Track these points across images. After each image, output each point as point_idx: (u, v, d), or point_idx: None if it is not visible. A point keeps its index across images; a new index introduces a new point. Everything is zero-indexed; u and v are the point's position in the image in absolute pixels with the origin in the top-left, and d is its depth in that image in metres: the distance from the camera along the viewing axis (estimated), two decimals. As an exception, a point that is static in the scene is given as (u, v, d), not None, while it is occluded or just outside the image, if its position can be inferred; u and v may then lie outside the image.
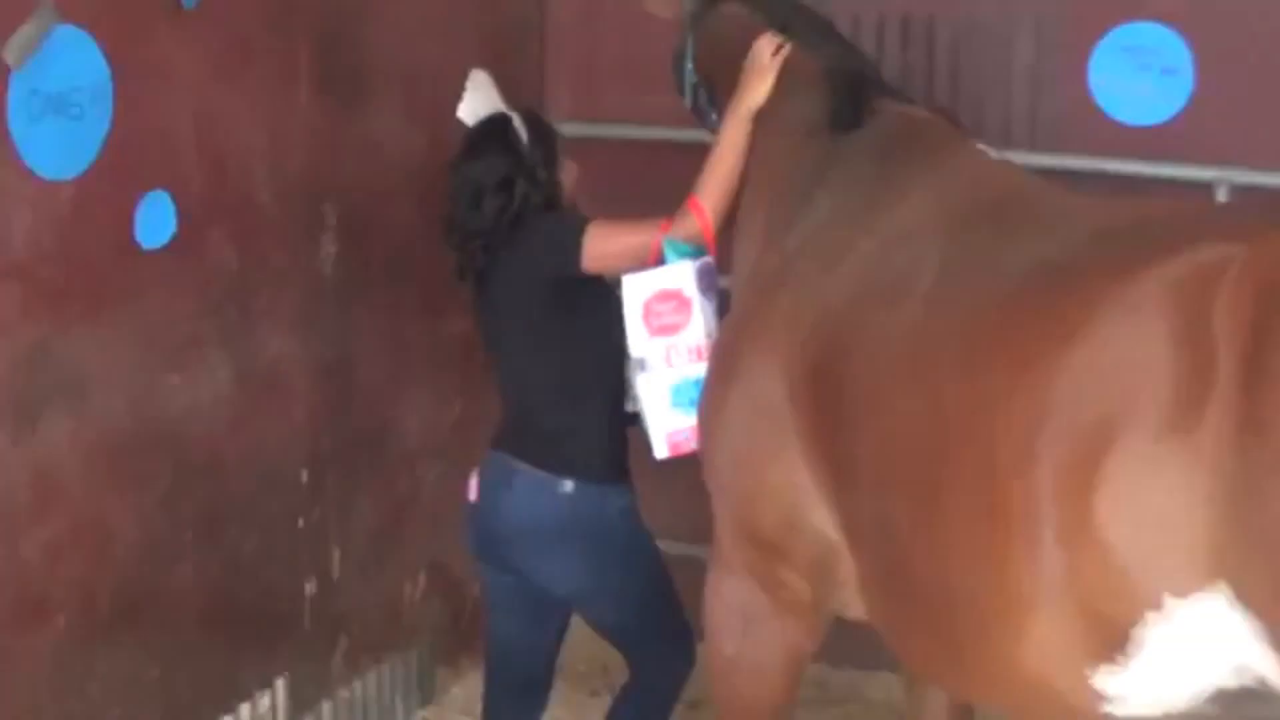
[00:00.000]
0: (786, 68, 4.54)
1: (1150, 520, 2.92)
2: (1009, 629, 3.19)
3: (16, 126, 4.14)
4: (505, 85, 5.32)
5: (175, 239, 4.76)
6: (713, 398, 4.23)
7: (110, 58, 4.41)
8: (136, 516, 4.72)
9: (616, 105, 6.25)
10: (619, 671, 5.40)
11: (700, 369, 4.51)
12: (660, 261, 4.58)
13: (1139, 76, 5.73)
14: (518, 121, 4.84)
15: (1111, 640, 3.03)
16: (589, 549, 4.73)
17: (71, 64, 4.29)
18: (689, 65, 4.94)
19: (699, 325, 4.56)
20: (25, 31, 4.09)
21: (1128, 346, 3.00)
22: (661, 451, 4.60)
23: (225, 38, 4.89)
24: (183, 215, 4.76)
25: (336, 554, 5.65)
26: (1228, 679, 2.97)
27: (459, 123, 4.92)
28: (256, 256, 5.13)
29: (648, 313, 4.58)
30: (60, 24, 4.22)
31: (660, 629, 4.85)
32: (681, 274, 4.57)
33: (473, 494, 4.90)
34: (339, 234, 5.47)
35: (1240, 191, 5.46)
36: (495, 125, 4.85)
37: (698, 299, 4.55)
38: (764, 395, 3.98)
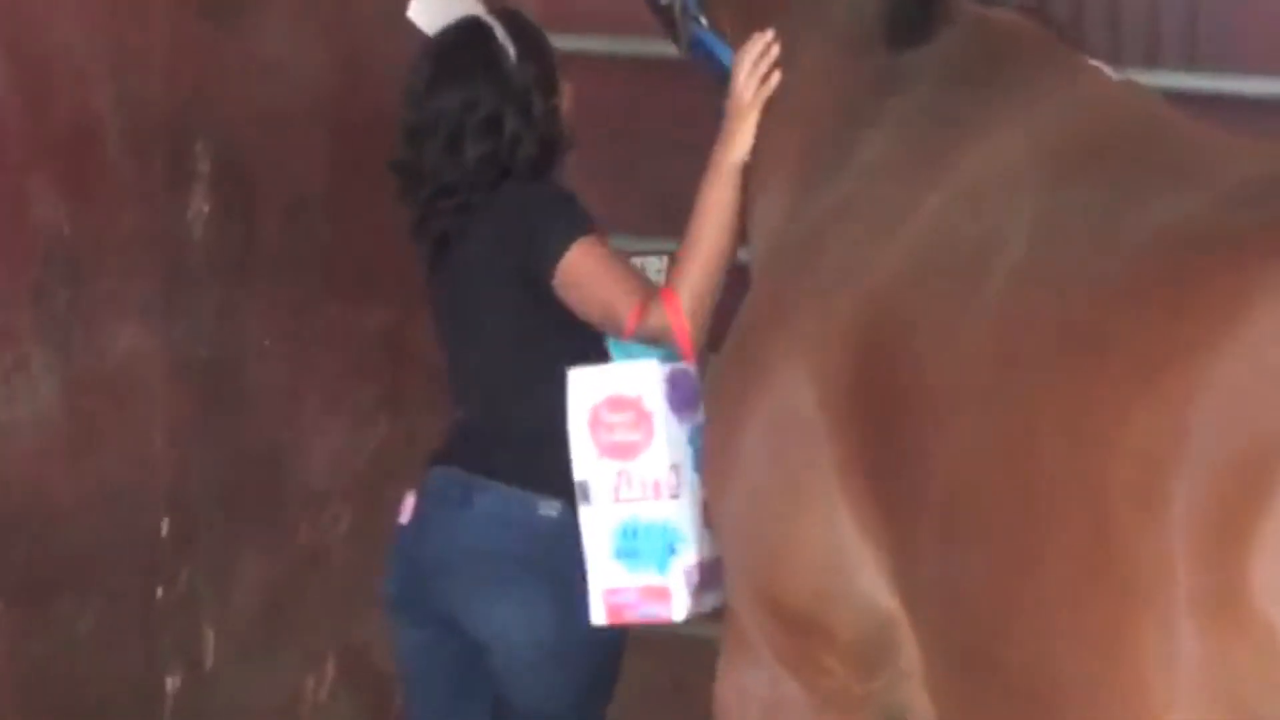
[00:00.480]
0: None
1: None
2: None
3: None
4: None
5: None
6: (721, 419, 3.78)
7: None
8: None
9: (600, 12, 5.42)
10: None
11: (659, 510, 4.05)
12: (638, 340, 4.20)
13: None
14: (500, 31, 4.30)
15: None
16: (561, 592, 4.17)
17: None
18: None
19: (662, 451, 4.04)
20: None
21: None
22: (598, 615, 4.12)
23: None
24: None
25: (210, 635, 5.18)
26: None
27: (403, 31, 4.39)
28: (98, 217, 4.80)
29: (595, 422, 4.09)
30: None
31: None
32: (645, 379, 4.11)
33: (406, 515, 4.33)
34: (213, 186, 5.04)
35: None
36: (472, 37, 4.33)
37: (663, 415, 4.03)
38: (790, 411, 3.49)
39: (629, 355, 4.20)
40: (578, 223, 4.26)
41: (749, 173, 4.13)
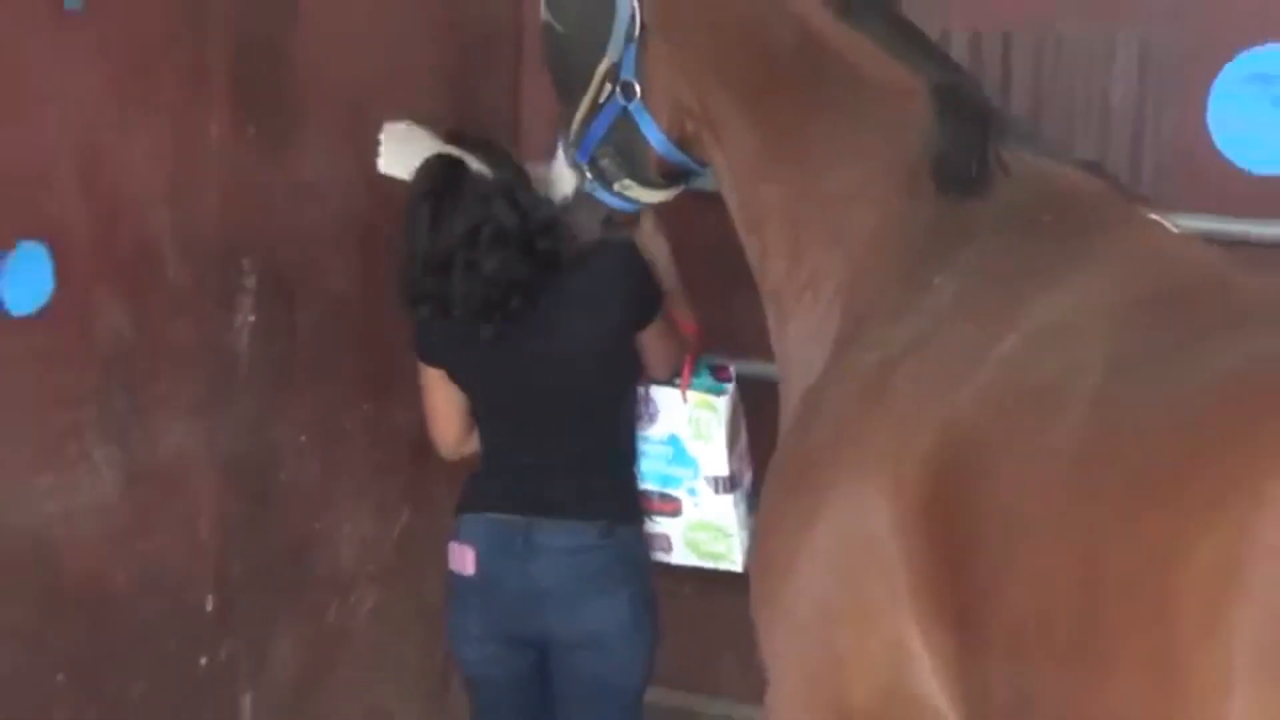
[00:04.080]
0: (849, 63, 4.18)
1: None
2: None
3: None
4: (474, 100, 5.69)
5: (52, 303, 4.57)
6: (788, 528, 3.89)
7: None
8: None
9: None
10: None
11: (750, 474, 5.00)
12: (692, 373, 5.05)
13: (1272, 113, 5.46)
14: (469, 158, 4.82)
15: None
16: (622, 589, 4.95)
17: None
18: (632, 4, 4.40)
19: (745, 435, 5.06)
20: None
21: None
22: (745, 562, 4.87)
23: (118, 50, 4.72)
24: (62, 273, 4.58)
25: (248, 701, 5.43)
26: None
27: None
28: (154, 326, 4.95)
29: (731, 427, 5.00)
30: None
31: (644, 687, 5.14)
32: (733, 391, 5.06)
33: (469, 566, 4.99)
34: (259, 298, 5.28)
35: None
36: (450, 174, 4.83)
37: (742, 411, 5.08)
38: (864, 529, 3.65)
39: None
40: (658, 286, 4.99)
41: (775, 276, 4.36)
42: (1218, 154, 5.48)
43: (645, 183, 4.64)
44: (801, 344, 4.22)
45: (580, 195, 4.73)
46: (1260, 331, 3.18)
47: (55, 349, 4.61)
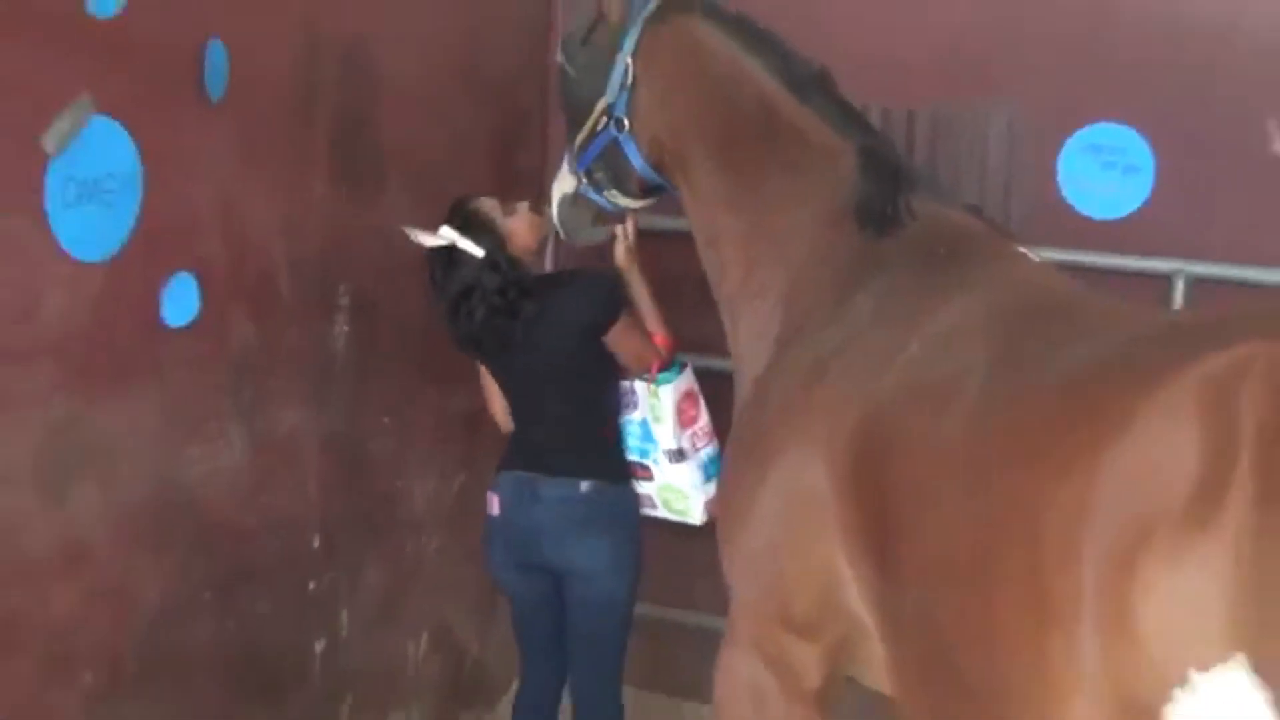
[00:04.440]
0: (798, 129, 4.36)
1: (1180, 607, 2.87)
2: (1051, 714, 3.13)
3: (53, 211, 4.10)
4: (510, 171, 5.45)
5: (198, 318, 4.71)
6: (743, 483, 4.09)
7: (141, 147, 4.37)
8: (158, 579, 4.67)
9: None
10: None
11: (710, 446, 5.20)
12: (662, 368, 5.18)
13: (1103, 174, 5.78)
14: (460, 242, 5.04)
15: (1144, 718, 2.97)
16: (605, 532, 5.15)
17: (105, 152, 4.26)
18: (628, 61, 4.58)
19: (704, 412, 5.23)
20: (63, 122, 4.06)
21: (1162, 448, 2.93)
22: (703, 517, 5.14)
23: (248, 129, 4.86)
24: (206, 296, 4.73)
25: (344, 615, 5.62)
26: None
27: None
28: (273, 335, 5.10)
29: (679, 411, 5.14)
30: (95, 115, 4.20)
31: (629, 616, 5.30)
32: (689, 379, 5.23)
33: (495, 509, 5.23)
34: (351, 314, 5.44)
35: (1197, 283, 5.48)
36: (446, 255, 5.09)
37: (699, 396, 5.23)
38: (805, 484, 3.86)
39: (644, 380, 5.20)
40: (623, 297, 5.15)
41: (730, 284, 4.49)
42: (1067, 204, 5.86)
43: (627, 193, 4.81)
44: (751, 341, 4.37)
45: (577, 195, 4.90)
46: (1099, 338, 3.33)
47: (200, 353, 4.70)
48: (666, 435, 5.17)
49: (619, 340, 5.10)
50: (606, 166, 4.74)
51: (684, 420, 5.18)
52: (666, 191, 4.79)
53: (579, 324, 5.06)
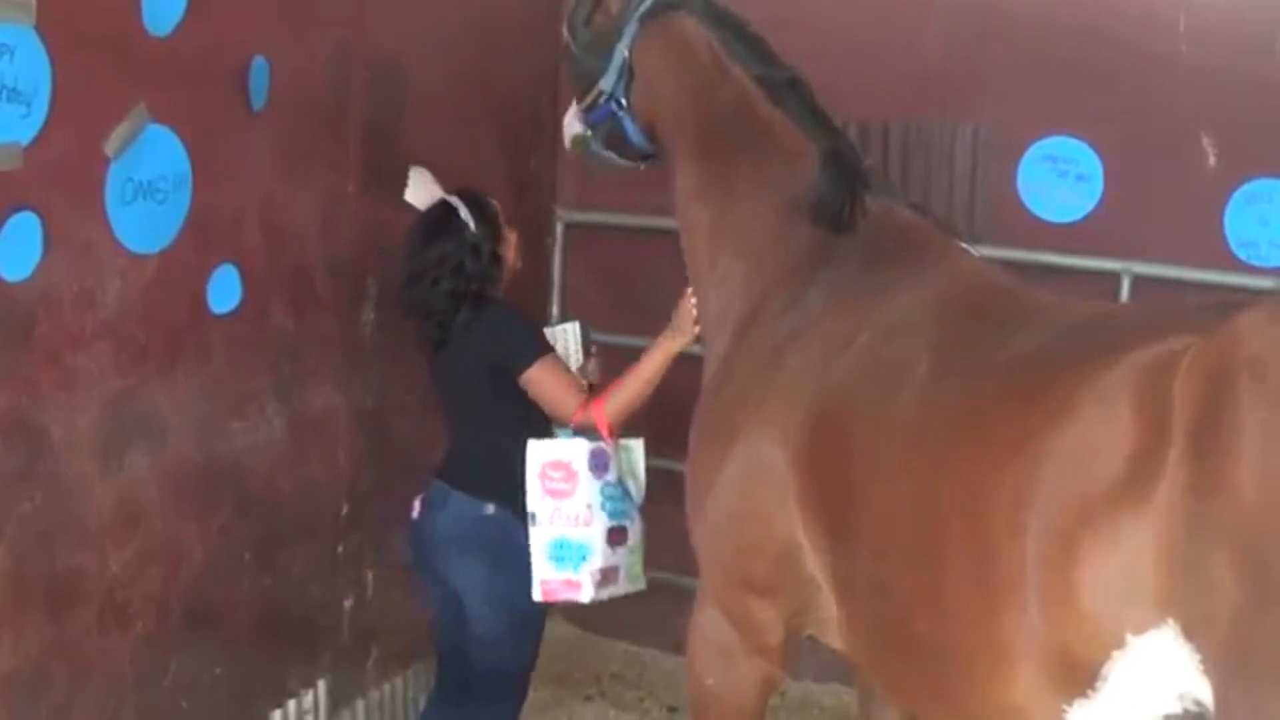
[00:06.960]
0: (768, 128, 4.26)
1: (1117, 576, 2.86)
2: (998, 676, 3.11)
3: (112, 208, 4.16)
4: (523, 176, 5.39)
5: (241, 306, 4.75)
6: (708, 458, 4.03)
7: (190, 152, 4.41)
8: (203, 540, 4.70)
9: (615, 197, 6.18)
10: (610, 679, 5.53)
11: (578, 534, 4.62)
12: (580, 425, 4.73)
13: (1058, 182, 5.83)
14: (462, 208, 4.84)
15: (1084, 678, 2.97)
16: (494, 560, 4.80)
17: (159, 156, 4.31)
18: (625, 54, 4.49)
19: (582, 497, 4.64)
20: (122, 129, 4.15)
21: (1100, 432, 2.91)
22: (536, 595, 4.70)
23: (287, 136, 4.88)
24: (247, 286, 4.76)
25: (370, 576, 5.62)
26: (1173, 706, 2.93)
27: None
28: (308, 321, 5.11)
29: (543, 475, 4.66)
30: (151, 123, 4.26)
31: (517, 662, 4.90)
32: (576, 451, 4.68)
33: (416, 511, 4.94)
34: (378, 304, 5.43)
35: (1141, 280, 5.49)
36: (443, 213, 4.86)
37: (585, 474, 4.64)
38: (764, 460, 3.83)
39: (567, 433, 4.76)
40: (542, 345, 4.79)
41: (698, 270, 4.36)
42: (1026, 208, 5.91)
43: (622, 155, 4.74)
44: (714, 325, 4.30)
45: (580, 139, 4.78)
46: (1038, 328, 3.32)
47: (242, 337, 4.73)
48: (639, 487, 4.87)
49: (531, 385, 4.75)
50: (607, 133, 4.71)
51: (547, 488, 4.73)
52: (655, 157, 4.71)
53: (485, 361, 4.77)
